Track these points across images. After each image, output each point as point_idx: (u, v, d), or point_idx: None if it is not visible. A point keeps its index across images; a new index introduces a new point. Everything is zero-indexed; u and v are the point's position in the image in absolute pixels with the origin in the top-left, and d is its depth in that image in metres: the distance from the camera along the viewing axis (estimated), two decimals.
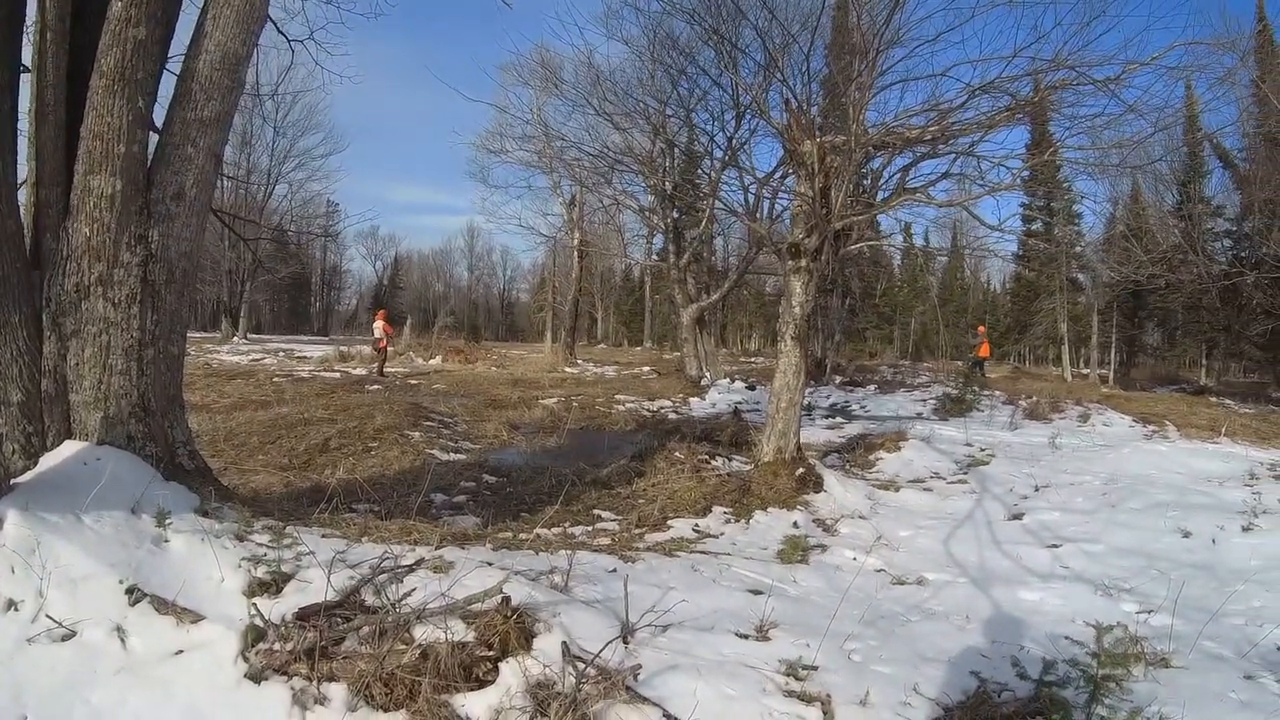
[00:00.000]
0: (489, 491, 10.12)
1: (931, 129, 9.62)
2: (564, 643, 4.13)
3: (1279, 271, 27.62)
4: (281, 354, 34.16)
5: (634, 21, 25.76)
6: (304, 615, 4.29)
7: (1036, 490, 10.31)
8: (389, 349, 28.31)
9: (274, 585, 4.75)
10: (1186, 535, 7.89)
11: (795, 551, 7.17)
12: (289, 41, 11.41)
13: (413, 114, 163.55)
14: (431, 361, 32.92)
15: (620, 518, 8.66)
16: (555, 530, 7.91)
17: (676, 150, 28.11)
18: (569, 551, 5.97)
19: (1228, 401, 26.74)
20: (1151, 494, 9.51)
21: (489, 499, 9.71)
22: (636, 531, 8.04)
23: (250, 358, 31.74)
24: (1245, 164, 33.92)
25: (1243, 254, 34.52)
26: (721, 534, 8.08)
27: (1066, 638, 5.10)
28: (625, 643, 4.36)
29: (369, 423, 13.70)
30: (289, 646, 4.08)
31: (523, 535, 7.18)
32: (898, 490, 10.25)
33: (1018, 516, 8.99)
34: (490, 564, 5.22)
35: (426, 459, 11.75)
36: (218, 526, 5.42)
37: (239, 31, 6.29)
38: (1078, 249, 42.61)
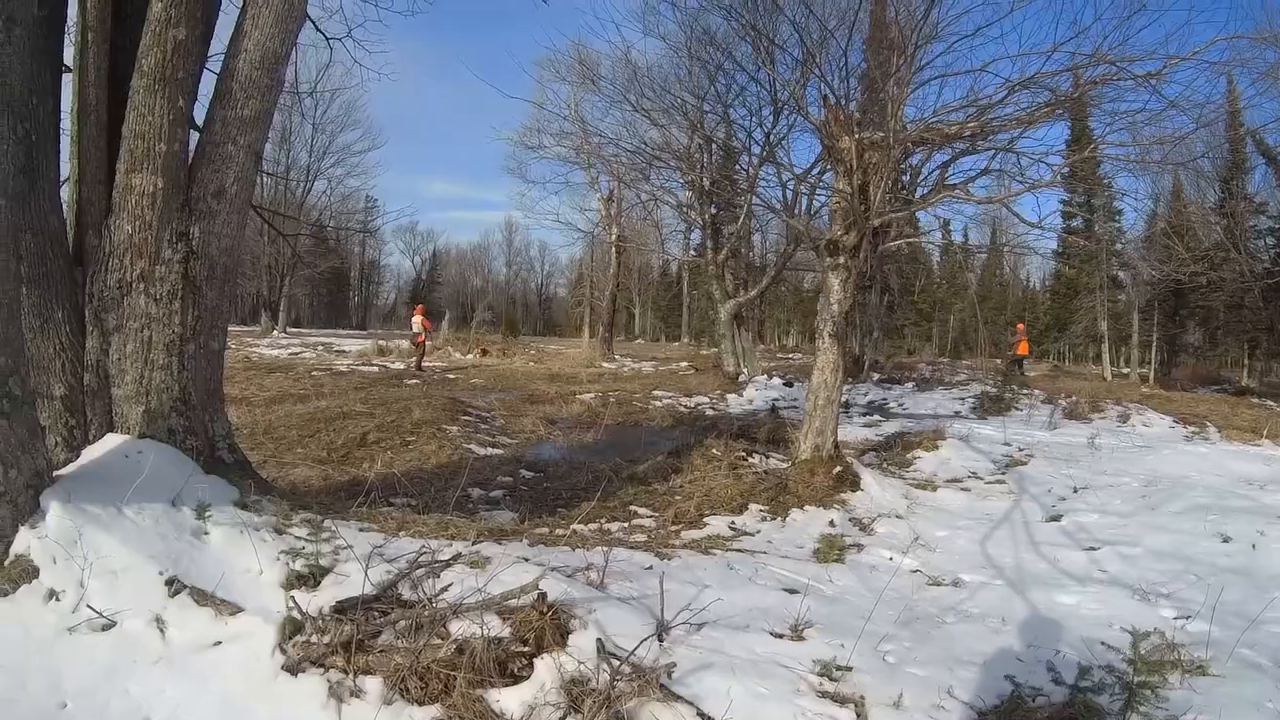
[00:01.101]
0: (526, 487, 10.17)
1: (971, 125, 9.54)
2: (599, 639, 4.14)
3: None
4: (320, 348, 34.43)
5: (671, 17, 25.66)
6: (341, 608, 4.33)
7: (1075, 491, 10.21)
8: (427, 343, 28.44)
9: (312, 578, 4.80)
10: (1226, 540, 7.75)
11: (831, 550, 7.15)
12: (327, 40, 11.44)
13: (450, 109, 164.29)
14: (469, 356, 33.02)
15: (657, 514, 8.65)
16: (592, 526, 7.91)
17: (714, 146, 28.03)
18: (605, 548, 5.96)
19: (1270, 402, 26.41)
20: (1190, 496, 9.37)
21: (526, 494, 9.76)
22: (673, 528, 8.03)
23: (289, 351, 32.02)
24: None
25: None
26: (758, 532, 8.05)
27: (1103, 643, 5.09)
28: (660, 640, 4.37)
29: (406, 417, 13.79)
30: (326, 639, 4.12)
31: (559, 531, 7.20)
32: (935, 490, 10.20)
33: (1055, 518, 8.89)
34: (527, 560, 5.24)
35: (464, 453, 11.81)
36: (257, 519, 5.49)
37: (278, 31, 6.35)
38: (1118, 246, 42.25)
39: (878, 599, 5.57)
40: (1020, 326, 32.56)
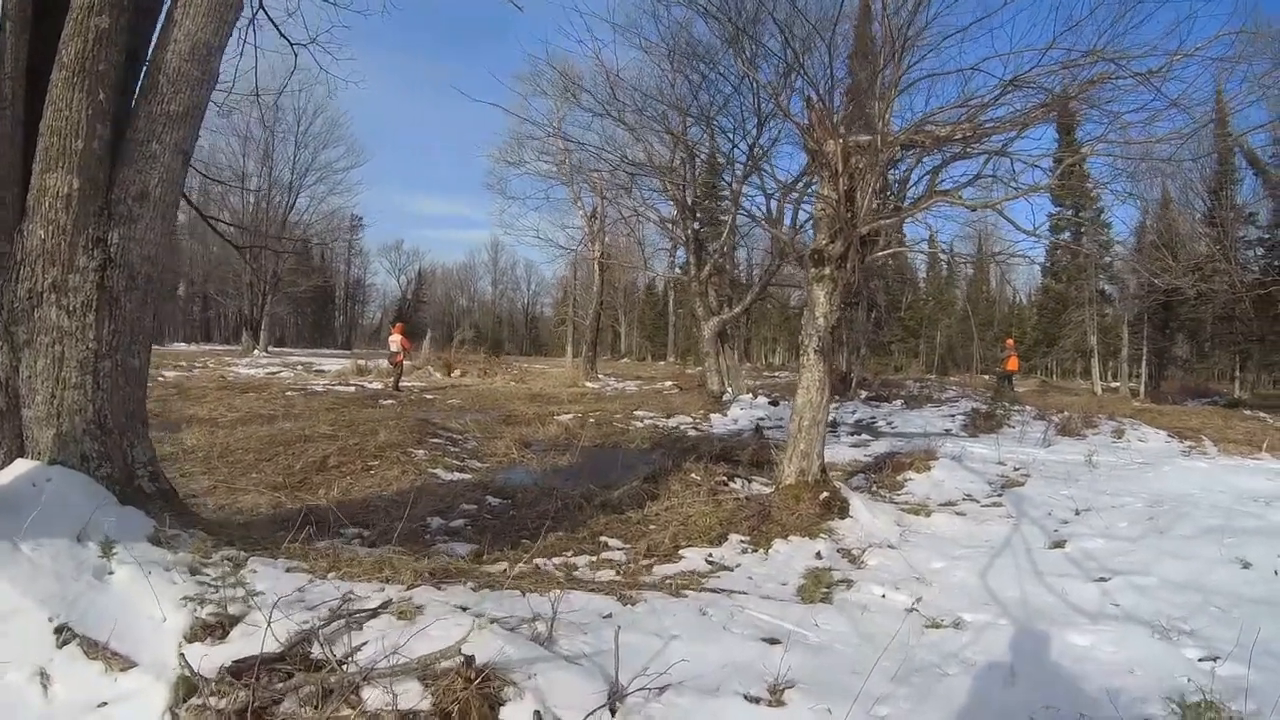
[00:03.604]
0: (490, 515, 9.52)
1: (963, 126, 9.00)
2: (537, 712, 3.50)
3: None
4: (300, 367, 34.06)
5: (653, 29, 25.15)
6: (238, 670, 3.70)
7: (1077, 514, 9.67)
8: (405, 363, 27.85)
9: (219, 628, 4.22)
10: (1246, 566, 7.14)
11: (818, 588, 6.50)
12: (291, 45, 11.16)
13: (439, 128, 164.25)
14: (449, 376, 32.48)
15: (628, 546, 7.99)
16: (557, 560, 7.26)
17: (698, 160, 27.54)
18: (559, 591, 5.28)
19: (1262, 414, 26.32)
20: (1199, 518, 8.84)
21: (489, 523, 9.09)
22: (644, 563, 7.35)
23: (267, 371, 31.57)
24: (1278, 169, 33.23)
25: (1276, 262, 33.90)
26: (737, 565, 7.39)
27: (1142, 701, 4.42)
28: (612, 712, 3.70)
29: (371, 440, 13.09)
30: (222, 704, 3.51)
31: (520, 565, 6.56)
32: (929, 515, 9.59)
33: (1059, 544, 8.30)
34: (465, 609, 4.58)
35: (428, 479, 11.19)
36: (170, 558, 4.91)
37: (211, 20, 5.97)
38: (1107, 259, 42.16)
39: (876, 652, 4.92)
40: (1010, 342, 32.17)
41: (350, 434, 13.63)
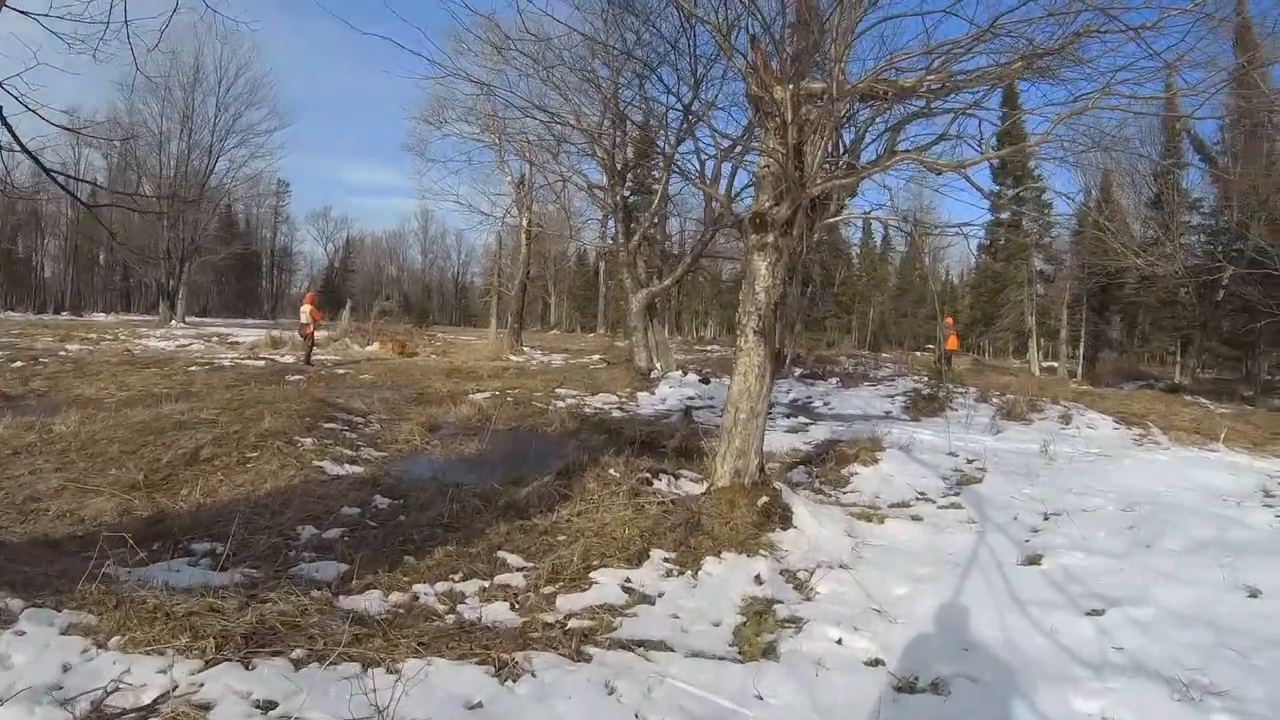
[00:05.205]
0: (374, 521, 8.00)
1: (931, 77, 7.79)
2: None
3: (1259, 267, 26.26)
4: (214, 339, 32.24)
5: None
6: None
7: (1046, 519, 8.72)
8: (318, 334, 26.17)
9: None
10: (1253, 594, 6.23)
11: (760, 633, 5.23)
12: None
13: (372, 94, 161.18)
14: (368, 349, 30.87)
15: (530, 565, 6.60)
16: (440, 587, 5.88)
17: (629, 123, 26.15)
18: (415, 662, 3.91)
19: (1202, 400, 26.31)
20: (1185, 527, 8.00)
21: (371, 532, 7.64)
22: (547, 590, 5.97)
23: (178, 344, 29.64)
24: (1224, 156, 32.93)
25: (1218, 248, 33.70)
26: (660, 595, 6.06)
27: None
28: None
29: (255, 426, 11.45)
30: None
31: (395, 595, 5.23)
32: (882, 521, 8.42)
33: (1034, 560, 7.23)
34: (271, 706, 3.23)
35: (310, 474, 9.62)
36: None
37: None
38: (1047, 239, 41.97)
39: None
40: (949, 320, 31.51)
41: (234, 419, 11.92)
